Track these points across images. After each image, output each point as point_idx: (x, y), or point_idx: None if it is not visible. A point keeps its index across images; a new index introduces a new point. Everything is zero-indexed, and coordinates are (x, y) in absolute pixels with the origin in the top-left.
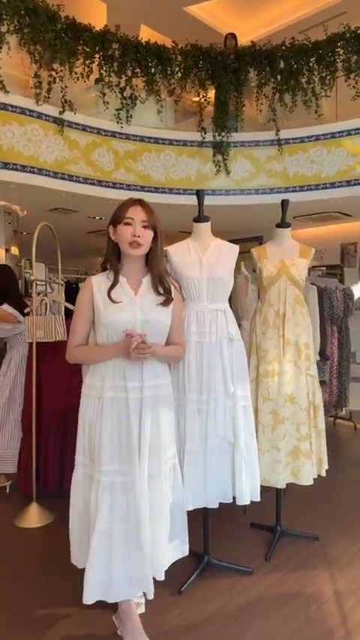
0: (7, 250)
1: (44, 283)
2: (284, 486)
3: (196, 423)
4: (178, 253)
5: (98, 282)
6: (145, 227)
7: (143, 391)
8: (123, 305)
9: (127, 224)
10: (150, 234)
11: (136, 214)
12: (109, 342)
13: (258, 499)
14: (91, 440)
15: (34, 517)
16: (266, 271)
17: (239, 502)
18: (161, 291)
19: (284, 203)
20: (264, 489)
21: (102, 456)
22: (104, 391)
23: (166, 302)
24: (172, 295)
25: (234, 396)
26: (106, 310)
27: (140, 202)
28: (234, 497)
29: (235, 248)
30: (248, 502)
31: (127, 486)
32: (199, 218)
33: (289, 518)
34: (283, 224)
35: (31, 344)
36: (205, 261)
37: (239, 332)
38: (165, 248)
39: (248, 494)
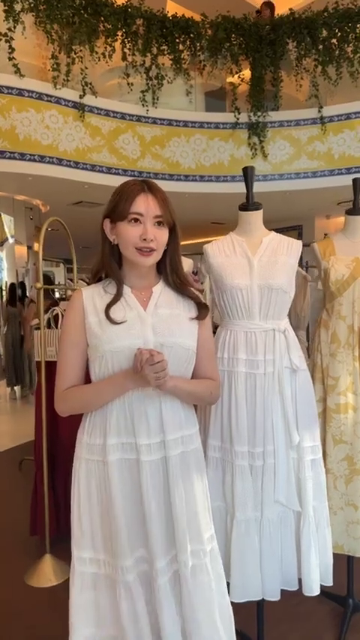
0: (30, 247)
1: (58, 289)
2: None
3: (248, 486)
4: (219, 253)
5: (91, 296)
6: (159, 224)
7: (167, 449)
8: (128, 325)
9: (135, 221)
10: (165, 234)
11: (147, 207)
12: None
13: (330, 583)
14: (101, 522)
15: (48, 573)
16: (335, 273)
17: (307, 592)
18: (184, 303)
19: (357, 182)
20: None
21: (120, 545)
22: (108, 452)
23: (198, 317)
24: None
25: (300, 447)
26: (103, 334)
27: (150, 187)
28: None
29: (298, 244)
30: (318, 592)
31: (146, 581)
32: (248, 205)
33: None
34: (356, 210)
35: (39, 363)
36: (256, 263)
37: (304, 359)
38: (204, 246)
39: (318, 581)
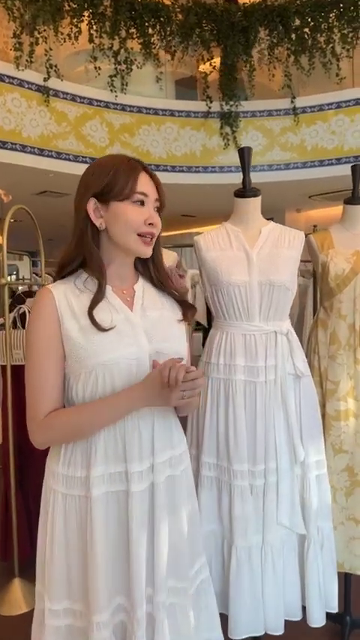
0: None
1: (24, 284)
2: None
3: (249, 509)
4: (213, 245)
5: (64, 295)
6: (157, 210)
7: (154, 473)
8: (118, 331)
9: (139, 203)
10: (160, 221)
11: (151, 188)
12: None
13: (335, 609)
14: (81, 567)
15: (18, 599)
16: (335, 267)
17: (313, 623)
18: (167, 302)
19: (356, 170)
20: None
21: (98, 595)
22: (92, 485)
23: (184, 318)
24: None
25: (304, 462)
26: (89, 343)
27: (145, 167)
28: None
29: (300, 235)
30: (324, 623)
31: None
32: (245, 190)
33: None
34: (355, 199)
35: (4, 367)
36: (255, 256)
37: (307, 364)
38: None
39: (325, 609)
